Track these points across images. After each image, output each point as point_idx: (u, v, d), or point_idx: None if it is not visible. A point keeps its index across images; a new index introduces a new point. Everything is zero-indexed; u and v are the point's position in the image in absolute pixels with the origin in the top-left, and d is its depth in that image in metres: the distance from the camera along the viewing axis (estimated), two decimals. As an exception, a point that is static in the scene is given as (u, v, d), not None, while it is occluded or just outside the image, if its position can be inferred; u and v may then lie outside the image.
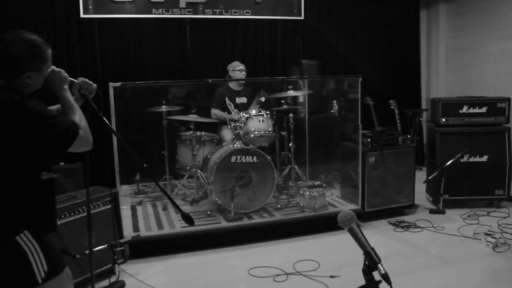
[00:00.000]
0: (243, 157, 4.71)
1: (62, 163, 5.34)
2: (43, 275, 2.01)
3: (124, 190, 5.77)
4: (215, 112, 5.53)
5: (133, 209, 5.04)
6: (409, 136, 5.40)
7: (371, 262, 1.80)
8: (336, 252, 4.22)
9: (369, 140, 4.98)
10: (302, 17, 6.60)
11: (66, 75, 2.22)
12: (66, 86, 2.19)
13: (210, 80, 4.84)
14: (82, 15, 5.73)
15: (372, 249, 1.83)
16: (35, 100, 2.00)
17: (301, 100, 6.04)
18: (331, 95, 6.21)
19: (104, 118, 2.36)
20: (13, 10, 5.60)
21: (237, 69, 5.57)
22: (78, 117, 2.11)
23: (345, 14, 7.02)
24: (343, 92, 6.09)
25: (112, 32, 6.02)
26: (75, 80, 2.28)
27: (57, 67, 2.18)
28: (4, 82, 1.99)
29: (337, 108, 6.07)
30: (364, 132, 5.05)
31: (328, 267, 3.87)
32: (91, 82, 2.33)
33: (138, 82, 4.85)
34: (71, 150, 2.04)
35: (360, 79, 4.83)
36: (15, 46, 1.98)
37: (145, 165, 5.29)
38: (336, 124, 5.99)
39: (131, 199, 5.40)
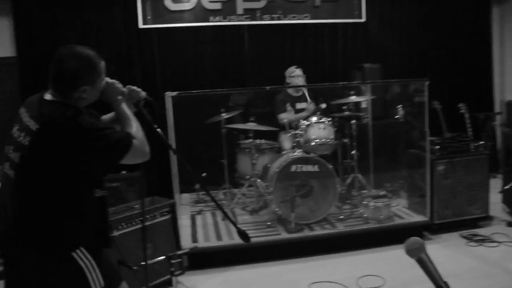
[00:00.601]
0: (304, 166, 4.55)
1: (124, 172, 5.40)
2: None
3: (184, 198, 5.77)
4: (283, 116, 5.31)
5: (193, 218, 5.00)
6: (481, 142, 5.02)
7: None
8: (403, 267, 3.93)
9: (437, 147, 4.67)
10: (363, 19, 6.36)
11: (120, 85, 2.20)
12: (120, 97, 2.17)
13: (267, 88, 4.71)
14: (141, 26, 5.82)
15: (445, 283, 1.60)
16: (87, 114, 2.00)
17: (364, 105, 5.79)
18: (396, 100, 5.91)
19: (156, 127, 2.28)
20: (76, 24, 5.78)
21: (293, 75, 5.42)
22: (135, 128, 2.08)
23: (408, 14, 6.68)
24: (408, 96, 5.78)
25: (171, 41, 6.05)
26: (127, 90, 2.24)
27: (116, 79, 2.17)
28: (60, 97, 1.99)
29: (402, 113, 5.77)
30: (432, 138, 4.75)
31: (394, 284, 3.64)
32: (139, 89, 2.29)
33: (194, 91, 4.81)
34: (126, 161, 2.01)
35: (427, 82, 4.54)
36: (69, 61, 2.00)
37: (203, 174, 5.34)
38: (402, 130, 5.69)
39: (191, 208, 5.38)
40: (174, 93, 4.12)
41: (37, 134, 1.90)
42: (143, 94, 2.31)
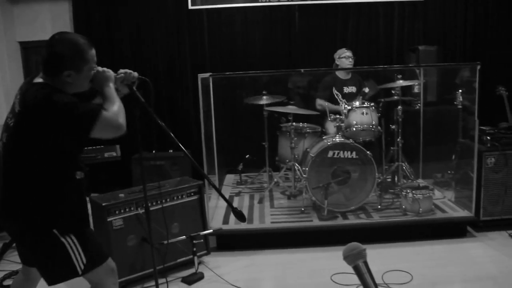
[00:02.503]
0: (341, 152, 4.42)
1: (171, 151, 5.53)
2: (82, 267, 2.14)
3: (228, 179, 5.83)
4: (320, 102, 5.24)
5: (230, 199, 5.03)
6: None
7: None
8: (434, 265, 3.75)
9: (488, 138, 4.32)
10: (422, -1, 5.96)
11: (111, 73, 2.29)
12: (111, 84, 2.24)
13: (302, 70, 4.59)
14: (190, 7, 5.85)
15: None
16: (65, 94, 2.08)
17: (416, 90, 5.47)
18: (451, 85, 5.51)
19: (147, 105, 2.37)
20: (129, 6, 5.92)
21: (343, 56, 5.21)
22: (117, 106, 2.14)
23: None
24: (465, 81, 5.38)
25: (220, 22, 6.04)
26: (116, 75, 2.29)
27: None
28: (47, 80, 2.10)
29: (461, 99, 5.38)
30: (484, 128, 4.40)
31: (421, 282, 3.45)
32: (130, 71, 2.35)
33: (227, 73, 4.80)
34: (98, 135, 2.06)
35: (479, 66, 4.19)
36: (57, 45, 2.10)
37: (246, 156, 5.34)
38: (457, 118, 5.32)
39: (231, 189, 5.41)
40: (206, 75, 4.12)
41: (18, 115, 2.03)
42: (135, 75, 2.38)
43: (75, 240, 2.11)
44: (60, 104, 1.99)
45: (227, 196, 5.12)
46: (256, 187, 5.44)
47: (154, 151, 5.47)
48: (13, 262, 4.01)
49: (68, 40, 2.11)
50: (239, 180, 5.68)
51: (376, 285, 1.49)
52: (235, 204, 4.89)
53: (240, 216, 2.56)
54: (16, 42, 6.19)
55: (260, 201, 4.89)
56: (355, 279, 3.40)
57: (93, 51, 2.17)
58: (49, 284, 2.19)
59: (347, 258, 1.54)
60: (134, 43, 5.96)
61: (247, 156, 5.59)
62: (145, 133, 2.66)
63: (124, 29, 5.96)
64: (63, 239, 2.08)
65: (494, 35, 6.15)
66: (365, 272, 1.51)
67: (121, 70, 2.33)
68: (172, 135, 2.49)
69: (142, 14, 5.93)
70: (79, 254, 2.12)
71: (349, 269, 3.86)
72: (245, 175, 5.73)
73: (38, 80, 2.12)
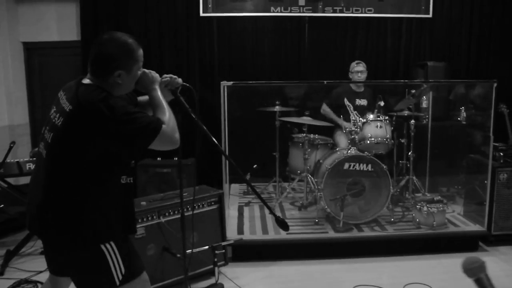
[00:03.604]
0: (357, 164, 4.44)
1: (176, 158, 5.47)
2: (120, 277, 2.05)
3: (233, 189, 5.79)
4: (324, 107, 5.34)
5: (240, 209, 4.99)
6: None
7: None
8: (452, 278, 3.77)
9: (501, 154, 4.41)
10: (430, 15, 6.06)
11: (157, 75, 2.25)
12: (156, 86, 2.21)
13: (325, 82, 4.62)
14: (201, 14, 5.82)
15: None
16: (119, 98, 2.04)
17: (424, 105, 5.56)
18: (459, 101, 5.62)
19: (193, 114, 2.33)
20: (138, 10, 5.87)
21: (353, 71, 5.29)
22: (167, 115, 2.09)
23: (480, 10, 6.28)
24: (473, 97, 5.49)
25: (230, 31, 6.03)
26: (162, 78, 2.28)
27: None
28: (96, 81, 2.05)
29: (465, 115, 5.48)
30: (496, 144, 4.49)
31: (442, 295, 3.48)
32: (175, 77, 2.33)
33: (250, 82, 4.80)
34: (155, 147, 2.03)
35: (495, 84, 4.28)
36: (107, 45, 2.06)
37: (254, 166, 5.31)
38: (463, 133, 5.41)
39: (239, 199, 5.38)
40: (230, 83, 4.10)
41: (70, 115, 1.95)
42: (179, 81, 2.35)
43: (114, 248, 2.02)
44: (121, 112, 1.93)
45: (236, 206, 5.10)
46: (265, 197, 5.41)
47: (159, 159, 5.40)
48: (19, 270, 3.91)
49: (117, 40, 2.07)
50: (246, 190, 5.65)
51: None
52: (245, 214, 4.86)
53: (283, 225, 2.50)
54: (19, 42, 6.05)
55: (271, 212, 4.85)
56: (376, 291, 3.45)
57: (141, 51, 2.13)
58: None
59: (469, 271, 1.53)
60: (142, 48, 5.87)
61: (254, 166, 5.57)
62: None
63: (132, 33, 5.87)
64: (103, 247, 2.00)
65: (497, 54, 6.29)
66: (488, 285, 1.50)
67: (166, 75, 2.31)
68: (215, 141, 2.46)
69: (151, 19, 5.88)
70: (118, 263, 2.03)
71: (370, 281, 3.89)
72: (252, 184, 5.69)
73: (86, 81, 2.06)
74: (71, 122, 1.95)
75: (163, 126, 2.01)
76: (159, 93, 2.19)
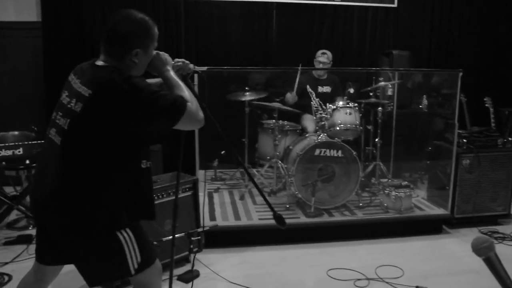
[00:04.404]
0: (328, 150, 4.49)
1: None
2: (136, 266, 2.00)
3: (200, 175, 5.72)
4: (288, 96, 5.34)
5: (210, 196, 4.97)
6: (510, 138, 4.92)
7: None
8: (421, 259, 3.93)
9: (464, 140, 4.59)
10: (395, 5, 6.19)
11: (169, 57, 2.17)
12: (169, 67, 2.14)
13: (299, 67, 4.64)
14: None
15: None
16: (142, 80, 1.98)
17: (389, 93, 5.68)
18: (422, 89, 5.78)
19: (201, 99, 2.25)
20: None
21: (317, 60, 5.37)
22: (188, 94, 2.03)
23: (441, 2, 6.50)
24: (436, 86, 5.66)
25: (197, 15, 5.93)
26: (174, 63, 2.22)
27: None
28: (112, 62, 1.96)
29: (426, 103, 5.65)
30: (460, 131, 4.66)
31: (412, 276, 3.59)
32: (187, 62, 2.29)
33: (224, 68, 4.75)
34: (180, 127, 1.98)
35: (461, 73, 4.44)
36: (123, 23, 1.97)
37: (222, 152, 5.28)
38: (427, 121, 5.59)
39: (208, 186, 5.35)
40: (204, 68, 4.04)
41: (91, 99, 1.86)
42: (191, 66, 2.29)
43: (131, 235, 1.96)
44: (146, 91, 1.87)
45: (206, 193, 5.07)
46: (234, 183, 5.41)
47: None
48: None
49: (133, 17, 1.98)
50: (213, 176, 5.63)
51: (508, 275, 1.54)
52: (215, 200, 4.85)
53: (280, 221, 2.45)
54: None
55: (242, 198, 4.88)
56: (350, 274, 3.54)
57: (157, 29, 2.06)
58: (92, 285, 2.02)
59: (479, 250, 1.57)
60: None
61: (222, 152, 5.55)
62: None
63: (95, 16, 5.70)
64: (119, 234, 1.93)
65: (457, 44, 6.52)
66: (498, 263, 1.56)
67: (178, 59, 2.24)
68: (221, 130, 2.43)
69: (116, 1, 5.69)
70: (135, 251, 1.97)
71: (344, 264, 3.95)
72: (220, 171, 5.69)
73: (100, 63, 1.97)
74: (93, 106, 1.86)
75: (188, 104, 1.96)
76: (173, 74, 2.12)
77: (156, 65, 2.10)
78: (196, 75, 4.08)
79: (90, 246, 1.93)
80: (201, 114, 2.03)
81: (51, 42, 5.61)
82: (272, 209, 2.46)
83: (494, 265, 1.56)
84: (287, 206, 4.56)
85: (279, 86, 5.73)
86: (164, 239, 3.37)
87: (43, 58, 5.62)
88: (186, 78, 2.27)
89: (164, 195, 3.62)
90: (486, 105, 6.25)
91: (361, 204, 4.67)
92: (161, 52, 2.13)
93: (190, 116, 1.96)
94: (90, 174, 1.89)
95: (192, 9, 5.90)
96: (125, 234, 1.95)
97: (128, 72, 1.96)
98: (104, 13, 5.59)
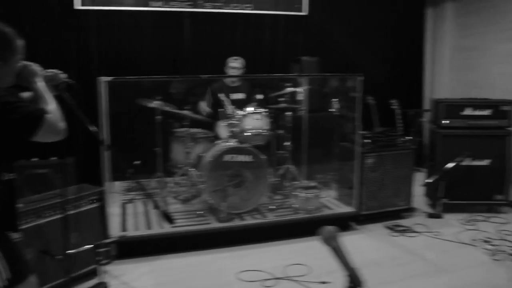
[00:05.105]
0: (237, 156, 4.58)
1: (55, 158, 5.22)
2: (6, 282, 1.93)
3: (116, 186, 5.66)
4: (202, 106, 5.48)
5: (123, 207, 4.92)
6: (409, 137, 5.23)
7: (353, 285, 1.66)
8: (328, 256, 4.07)
9: (368, 141, 4.84)
10: (306, 13, 6.44)
11: (38, 68, 2.15)
12: (38, 79, 2.12)
13: (207, 76, 4.72)
14: (78, 7, 5.59)
15: (355, 269, 1.70)
16: (4, 89, 1.93)
17: (300, 98, 5.89)
18: (332, 93, 6.03)
19: (77, 109, 2.31)
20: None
21: (229, 66, 5.47)
22: (52, 105, 2.02)
23: (349, 11, 6.83)
24: (343, 90, 5.92)
25: (109, 25, 5.87)
26: (45, 72, 2.21)
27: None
28: None
29: (337, 106, 5.90)
30: (363, 132, 4.91)
31: (319, 272, 3.74)
32: (59, 72, 2.27)
33: (131, 77, 4.73)
34: (39, 139, 1.94)
35: (361, 78, 4.68)
36: None
37: (136, 162, 5.23)
38: (336, 124, 5.83)
39: (122, 197, 5.29)
40: (109, 78, 4.02)
41: None
42: (63, 76, 2.28)
43: None
44: (1, 102, 1.83)
45: (119, 204, 5.01)
46: (148, 193, 5.36)
47: (37, 159, 5.11)
48: None
49: None
50: (128, 187, 5.56)
51: (349, 261, 1.67)
52: (129, 211, 4.81)
53: (167, 218, 2.51)
54: None
55: (155, 207, 4.84)
56: (259, 275, 3.63)
57: (21, 42, 2.02)
58: None
59: (327, 240, 1.71)
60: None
61: (136, 162, 5.50)
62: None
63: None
64: None
65: (365, 51, 6.86)
66: (340, 251, 1.69)
67: (50, 70, 2.23)
68: (101, 139, 2.44)
69: (24, 8, 5.49)
70: (4, 268, 1.91)
71: (254, 266, 4.06)
72: (135, 181, 5.63)
73: None
74: None
75: (46, 115, 1.94)
76: (42, 85, 2.10)
77: (25, 77, 2.09)
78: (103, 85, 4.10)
79: None
80: (61, 125, 2.01)
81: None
82: (158, 208, 2.53)
83: (338, 252, 1.70)
84: (200, 212, 4.60)
85: (190, 94, 5.78)
86: (68, 252, 3.29)
87: None
88: (59, 88, 2.27)
89: (72, 208, 3.54)
90: (393, 107, 6.63)
91: (272, 207, 4.78)
92: (29, 63, 2.11)
93: (49, 127, 1.94)
94: None
95: (103, 19, 5.81)
96: None
97: None
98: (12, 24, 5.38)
